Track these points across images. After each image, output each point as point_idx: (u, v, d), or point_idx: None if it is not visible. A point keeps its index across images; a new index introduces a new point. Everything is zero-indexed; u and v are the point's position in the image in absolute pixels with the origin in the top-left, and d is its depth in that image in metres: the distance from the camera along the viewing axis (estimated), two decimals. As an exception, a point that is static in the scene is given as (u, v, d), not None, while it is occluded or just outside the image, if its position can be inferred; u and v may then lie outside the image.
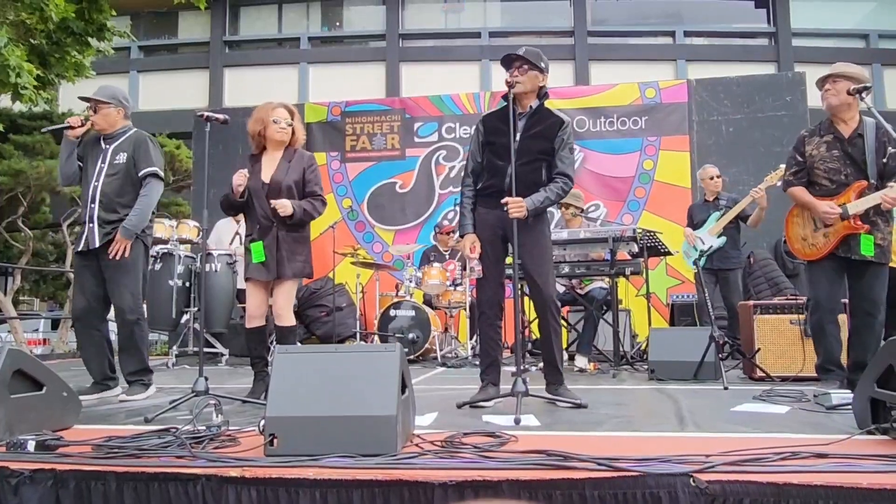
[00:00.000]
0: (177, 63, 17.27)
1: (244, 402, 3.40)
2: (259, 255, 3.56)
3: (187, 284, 6.22)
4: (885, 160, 3.56)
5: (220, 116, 3.51)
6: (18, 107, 8.40)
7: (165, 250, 6.24)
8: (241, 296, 6.38)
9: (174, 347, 6.46)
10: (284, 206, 3.47)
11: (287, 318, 3.61)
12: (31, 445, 2.13)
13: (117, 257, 3.68)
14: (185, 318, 6.34)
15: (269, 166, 3.64)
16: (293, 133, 3.66)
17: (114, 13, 7.86)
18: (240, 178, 3.56)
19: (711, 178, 5.78)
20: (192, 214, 8.72)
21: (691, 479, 1.77)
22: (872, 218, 3.56)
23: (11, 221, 11.13)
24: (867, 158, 3.54)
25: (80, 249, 3.80)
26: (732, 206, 5.50)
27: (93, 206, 3.76)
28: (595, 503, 1.79)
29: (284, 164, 3.63)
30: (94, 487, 1.92)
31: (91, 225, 3.75)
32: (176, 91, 16.28)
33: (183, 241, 6.37)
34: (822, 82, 3.70)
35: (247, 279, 3.69)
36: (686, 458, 1.91)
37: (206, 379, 3.15)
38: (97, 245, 3.73)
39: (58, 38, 7.61)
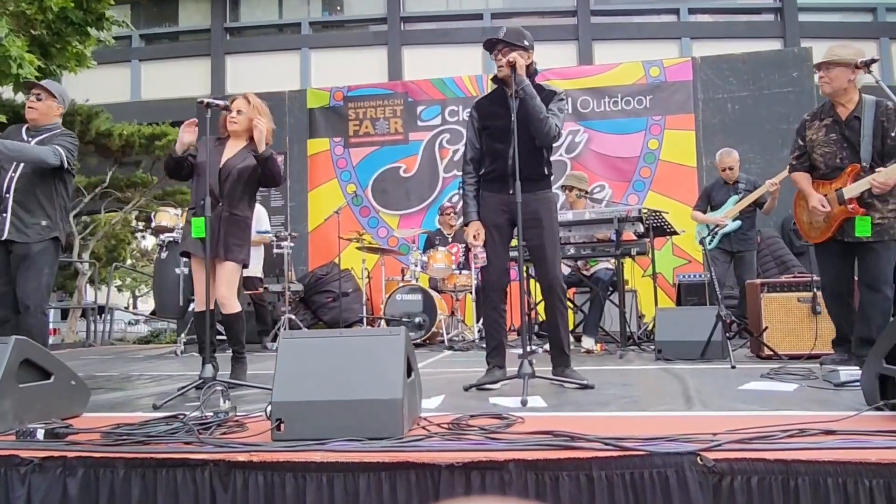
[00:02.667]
0: (178, 51, 17.18)
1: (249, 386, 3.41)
2: (199, 231, 3.44)
3: (193, 272, 6.23)
4: (884, 141, 3.54)
5: (221, 102, 3.49)
6: (21, 98, 8.37)
7: (171, 238, 6.25)
8: (246, 284, 6.40)
9: (182, 335, 6.49)
10: (260, 129, 3.46)
11: (232, 305, 3.59)
12: (40, 434, 2.14)
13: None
14: (192, 305, 6.36)
15: (230, 151, 3.64)
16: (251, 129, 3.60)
17: (112, 2, 7.81)
18: (188, 129, 3.51)
19: (738, 162, 5.67)
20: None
21: (698, 458, 1.76)
22: (868, 200, 3.56)
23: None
24: (862, 141, 3.54)
25: None
26: (752, 190, 5.46)
27: (7, 196, 3.73)
28: (602, 483, 1.79)
29: (244, 153, 3.63)
30: (102, 475, 1.93)
31: (4, 216, 3.71)
32: (178, 79, 16.21)
33: (188, 230, 6.37)
34: (816, 69, 3.70)
35: (183, 254, 3.69)
36: (693, 437, 1.90)
37: (214, 366, 3.16)
38: (4, 237, 3.68)
39: (58, 29, 7.57)
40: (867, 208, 3.54)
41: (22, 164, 3.75)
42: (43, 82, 3.96)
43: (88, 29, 7.80)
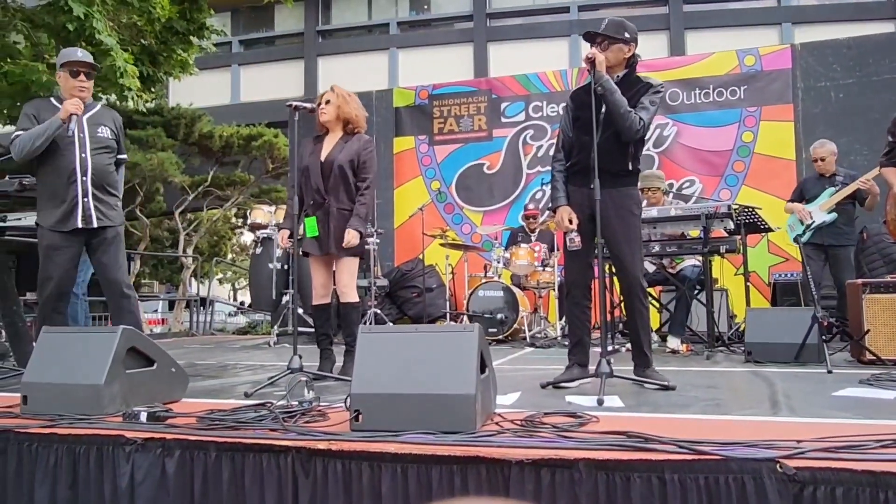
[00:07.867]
0: (273, 55, 17.95)
1: (326, 377, 3.55)
2: (313, 230, 3.69)
3: (286, 267, 6.53)
4: None
5: (308, 105, 3.65)
6: (125, 105, 9.03)
7: (265, 235, 6.56)
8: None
9: (275, 327, 6.81)
10: (350, 238, 3.60)
11: (351, 295, 3.74)
12: (143, 416, 2.33)
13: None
14: (284, 299, 6.66)
15: (328, 147, 3.77)
16: (342, 116, 3.76)
17: (212, 12, 8.27)
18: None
19: (834, 154, 5.39)
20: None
21: (778, 465, 1.70)
22: None
23: (130, 210, 12.04)
24: None
25: (78, 227, 3.55)
26: (850, 183, 5.15)
27: (84, 179, 3.55)
28: (675, 486, 1.76)
29: (340, 145, 3.76)
30: (196, 457, 2.08)
31: (86, 200, 3.55)
32: (273, 82, 16.93)
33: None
34: None
35: (305, 254, 3.80)
36: (775, 444, 1.84)
37: (301, 357, 3.32)
38: (94, 224, 3.58)
39: (164, 38, 8.10)
40: None
41: (90, 144, 3.60)
42: (85, 54, 3.69)
43: (191, 38, 8.31)
